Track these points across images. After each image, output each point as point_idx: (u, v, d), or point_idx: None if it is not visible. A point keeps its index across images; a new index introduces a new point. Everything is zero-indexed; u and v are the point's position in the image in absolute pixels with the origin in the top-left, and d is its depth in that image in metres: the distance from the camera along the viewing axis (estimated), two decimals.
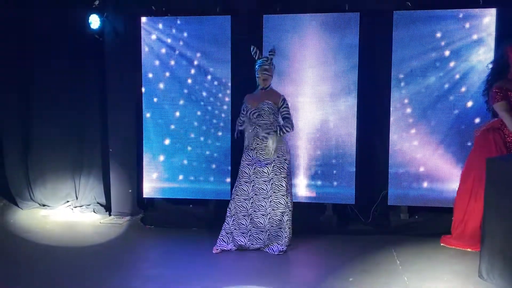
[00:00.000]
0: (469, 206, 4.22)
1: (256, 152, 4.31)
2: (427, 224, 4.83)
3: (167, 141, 5.30)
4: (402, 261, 4.02)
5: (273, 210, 4.29)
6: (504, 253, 3.31)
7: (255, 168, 4.30)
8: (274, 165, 4.26)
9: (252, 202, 4.32)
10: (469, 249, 4.22)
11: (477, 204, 4.12)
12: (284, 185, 4.26)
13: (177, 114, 5.27)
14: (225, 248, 4.34)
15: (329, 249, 4.44)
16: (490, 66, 4.27)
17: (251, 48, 4.38)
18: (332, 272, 3.77)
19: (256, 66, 4.36)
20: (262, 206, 4.30)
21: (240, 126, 4.45)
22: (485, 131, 4.22)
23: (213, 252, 4.29)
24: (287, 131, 4.32)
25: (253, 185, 4.32)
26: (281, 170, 4.27)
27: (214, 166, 5.23)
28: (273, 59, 4.37)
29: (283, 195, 4.27)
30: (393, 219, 4.98)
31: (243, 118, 4.40)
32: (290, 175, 4.38)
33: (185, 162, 5.28)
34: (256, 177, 4.30)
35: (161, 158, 5.32)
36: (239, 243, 4.35)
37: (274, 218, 4.29)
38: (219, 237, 4.37)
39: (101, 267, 3.98)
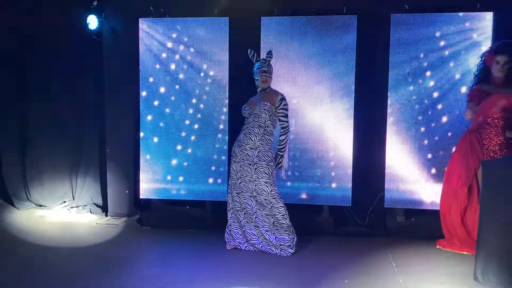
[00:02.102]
0: (453, 206, 4.32)
1: (241, 150, 4.31)
2: (423, 227, 4.84)
3: (164, 142, 5.29)
4: (398, 263, 4.03)
5: (259, 210, 4.30)
6: (499, 256, 3.33)
7: (240, 165, 4.32)
8: (256, 168, 4.26)
9: (242, 198, 4.35)
10: (465, 252, 4.24)
11: (458, 202, 4.27)
12: (266, 189, 4.25)
13: (174, 115, 5.27)
14: (232, 244, 4.43)
15: (325, 251, 4.45)
16: (476, 72, 4.40)
17: (248, 51, 4.40)
18: (328, 274, 3.77)
19: (255, 69, 4.37)
20: (249, 204, 4.33)
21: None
22: (466, 132, 4.40)
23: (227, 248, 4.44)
24: (284, 144, 4.37)
25: (240, 182, 4.34)
26: (263, 174, 4.25)
27: (211, 167, 5.23)
28: (270, 61, 4.39)
29: (266, 199, 4.26)
30: (389, 221, 4.99)
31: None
32: (273, 179, 4.31)
33: (182, 163, 5.27)
34: (242, 175, 4.32)
35: (158, 159, 5.31)
36: (237, 236, 4.40)
37: (260, 218, 4.31)
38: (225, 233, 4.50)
39: (97, 267, 3.98)
